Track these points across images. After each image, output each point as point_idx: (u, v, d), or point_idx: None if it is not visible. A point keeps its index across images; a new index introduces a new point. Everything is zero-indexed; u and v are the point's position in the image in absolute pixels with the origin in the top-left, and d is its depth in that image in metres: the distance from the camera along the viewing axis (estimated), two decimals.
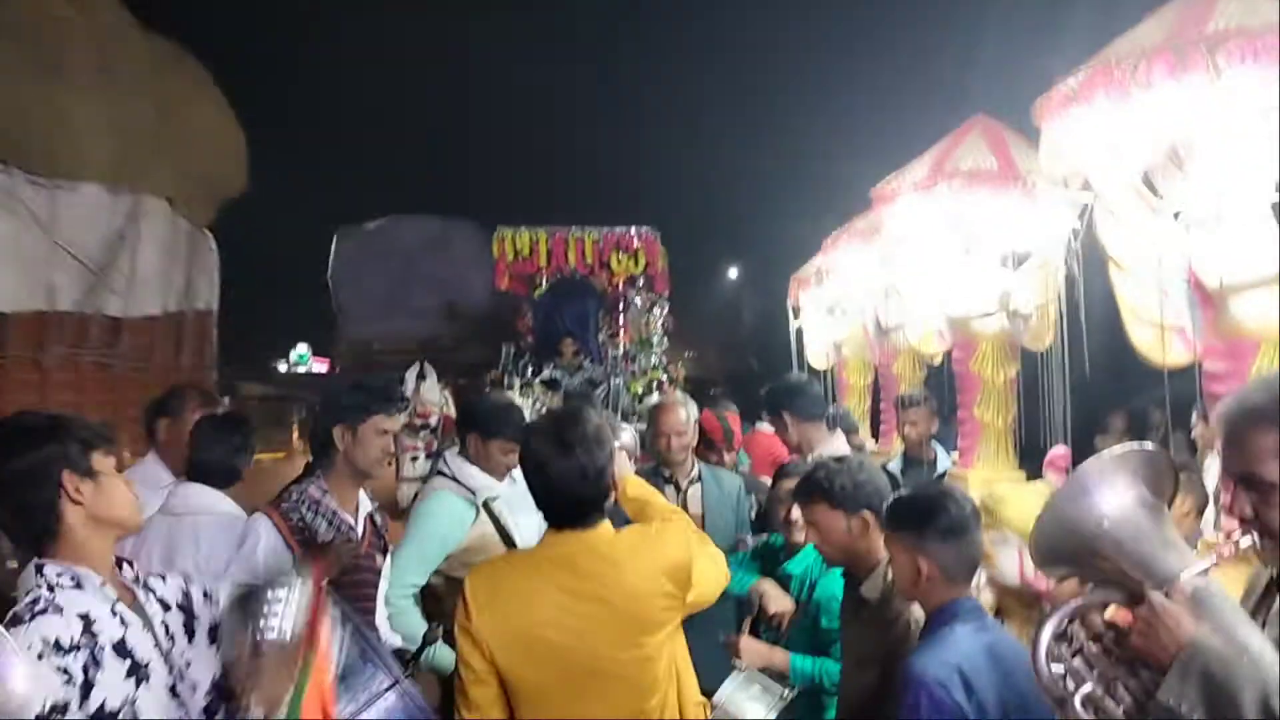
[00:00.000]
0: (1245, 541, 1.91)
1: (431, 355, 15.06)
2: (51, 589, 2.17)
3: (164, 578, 2.48)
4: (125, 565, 2.40)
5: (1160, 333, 3.37)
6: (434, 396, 5.97)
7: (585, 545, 2.63)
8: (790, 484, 3.92)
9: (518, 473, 4.29)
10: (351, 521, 3.47)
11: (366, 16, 21.62)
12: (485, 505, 4.14)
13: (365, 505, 3.59)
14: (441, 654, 4.02)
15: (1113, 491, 2.05)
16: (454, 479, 4.17)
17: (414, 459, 5.86)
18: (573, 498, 2.63)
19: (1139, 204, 3.38)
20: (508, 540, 4.14)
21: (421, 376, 6.15)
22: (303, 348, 34.21)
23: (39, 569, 2.21)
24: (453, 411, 6.04)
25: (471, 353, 17.16)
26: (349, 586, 3.35)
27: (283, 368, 34.08)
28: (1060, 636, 2.03)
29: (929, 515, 2.73)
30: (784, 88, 20.78)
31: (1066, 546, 2.12)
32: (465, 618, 2.57)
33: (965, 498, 2.82)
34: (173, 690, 2.28)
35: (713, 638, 3.70)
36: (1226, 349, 3.25)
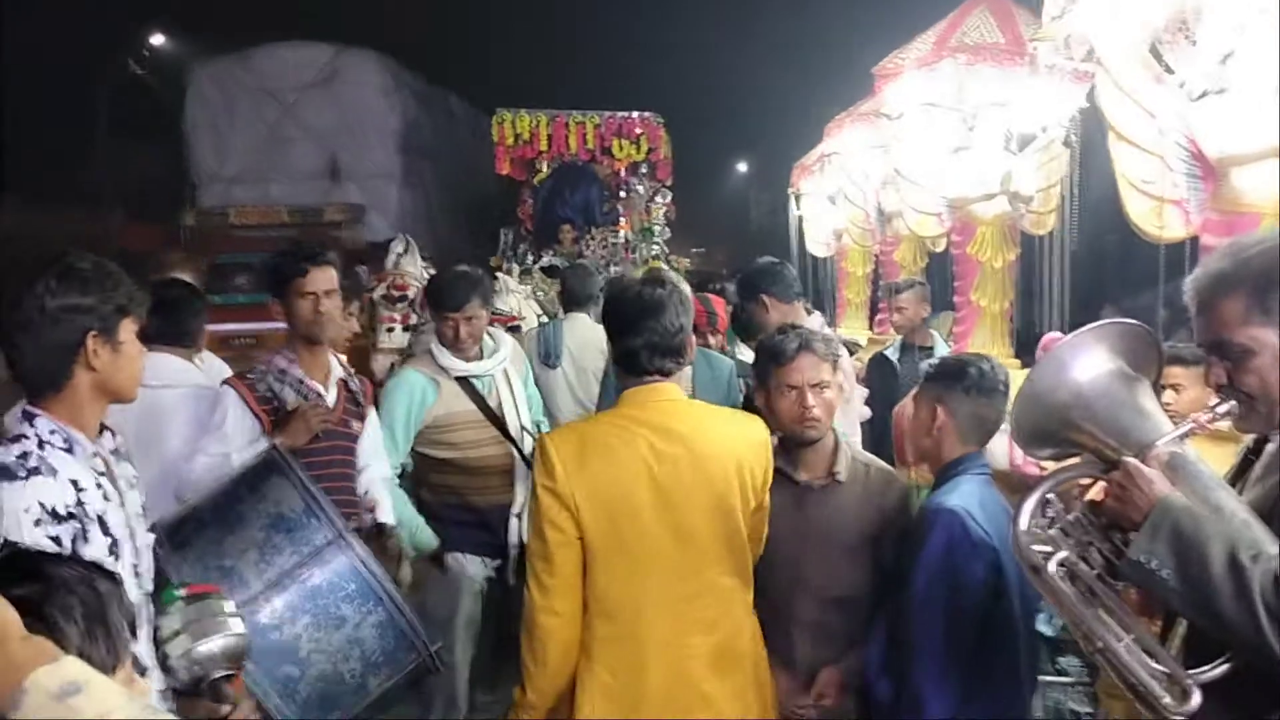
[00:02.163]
0: (1223, 408, 1.90)
1: (313, 232, 12.22)
2: (42, 445, 2.07)
3: (127, 456, 2.37)
4: (108, 433, 2.30)
5: (1159, 205, 3.29)
6: (413, 269, 5.87)
7: (670, 406, 2.62)
8: None
9: (505, 350, 4.29)
10: (321, 389, 3.46)
11: None
12: (464, 381, 4.10)
13: (337, 371, 3.57)
14: (423, 535, 4.06)
15: (1089, 364, 2.05)
16: (430, 356, 4.18)
17: (389, 330, 5.81)
18: (663, 338, 2.58)
19: (1143, 71, 3.26)
20: (493, 418, 4.12)
21: (403, 249, 6.04)
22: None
23: (30, 417, 2.11)
24: None
25: (373, 229, 14.08)
26: (322, 453, 3.36)
27: None
28: (1040, 508, 2.04)
29: (957, 370, 2.81)
30: None
31: (1045, 421, 2.13)
32: (550, 480, 2.52)
33: (999, 367, 2.85)
34: (135, 570, 2.20)
35: None
36: (1225, 222, 3.17)
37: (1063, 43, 3.53)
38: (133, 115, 20.27)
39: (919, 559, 2.66)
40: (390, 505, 3.73)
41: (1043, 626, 3.63)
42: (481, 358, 4.18)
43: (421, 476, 4.23)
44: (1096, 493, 2.10)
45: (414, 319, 5.82)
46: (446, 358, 4.11)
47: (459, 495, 4.11)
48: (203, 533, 2.54)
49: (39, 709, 1.07)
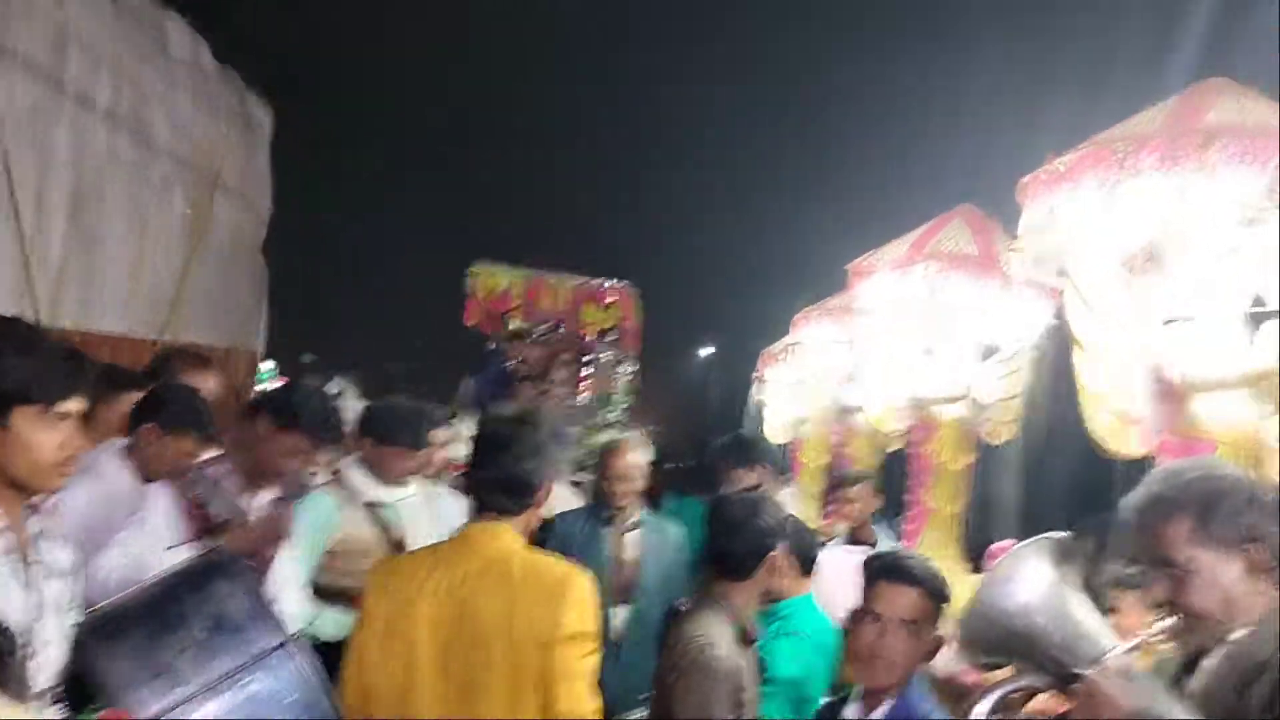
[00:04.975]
0: (1166, 624, 2.02)
1: None
2: None
3: (62, 543, 2.31)
4: (38, 515, 2.23)
5: (1120, 422, 3.35)
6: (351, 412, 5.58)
7: (489, 547, 2.57)
8: None
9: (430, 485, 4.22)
10: (248, 510, 3.34)
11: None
12: (370, 507, 3.99)
13: (270, 492, 3.45)
14: (325, 620, 3.82)
15: (1035, 580, 2.15)
16: (340, 480, 4.08)
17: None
18: (500, 476, 2.59)
19: (1112, 291, 3.37)
20: (398, 547, 4.01)
21: (337, 391, 5.80)
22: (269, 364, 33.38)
23: None
24: None
25: None
26: None
27: None
28: None
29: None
30: (774, 162, 20.62)
31: (992, 635, 2.20)
32: (363, 600, 2.61)
33: (928, 562, 2.66)
34: (23, 663, 2.08)
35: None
36: (1182, 446, 3.23)
37: (1034, 258, 3.65)
38: None
39: None
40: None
41: None
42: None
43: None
44: (1042, 704, 2.15)
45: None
46: (357, 480, 4.02)
47: None
48: (138, 627, 2.45)
49: None
